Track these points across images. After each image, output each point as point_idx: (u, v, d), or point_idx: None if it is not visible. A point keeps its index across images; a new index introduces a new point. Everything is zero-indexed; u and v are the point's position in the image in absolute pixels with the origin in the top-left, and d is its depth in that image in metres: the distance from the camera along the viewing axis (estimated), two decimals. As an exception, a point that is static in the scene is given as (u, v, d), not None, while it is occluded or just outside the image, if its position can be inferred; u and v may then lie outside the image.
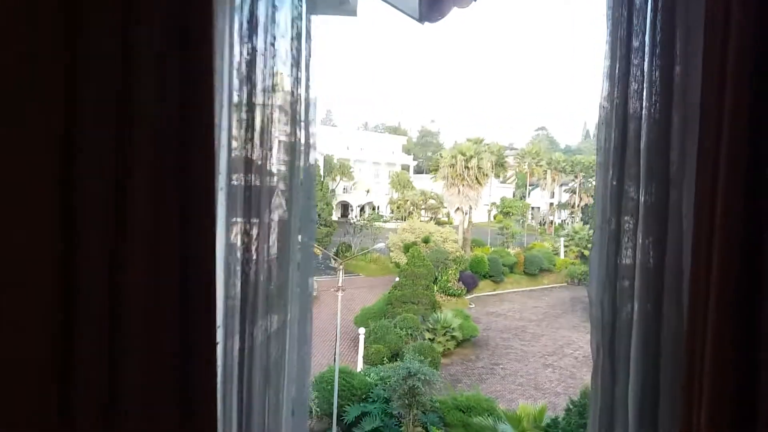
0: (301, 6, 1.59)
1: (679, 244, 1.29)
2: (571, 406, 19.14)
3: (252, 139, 1.39)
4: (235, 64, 1.41)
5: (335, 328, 23.15)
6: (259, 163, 1.39)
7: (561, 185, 66.81)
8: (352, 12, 2.97)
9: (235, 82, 1.41)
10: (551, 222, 64.95)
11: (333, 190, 57.42)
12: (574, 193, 63.53)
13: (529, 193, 71.75)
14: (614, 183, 1.39)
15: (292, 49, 1.54)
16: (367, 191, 64.41)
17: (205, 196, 1.18)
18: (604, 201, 1.41)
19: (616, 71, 1.40)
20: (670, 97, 1.31)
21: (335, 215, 55.75)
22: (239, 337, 1.31)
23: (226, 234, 1.32)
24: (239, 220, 1.34)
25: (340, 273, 28.41)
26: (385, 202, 62.75)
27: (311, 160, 1.52)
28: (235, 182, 1.34)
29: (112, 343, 1.13)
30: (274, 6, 1.51)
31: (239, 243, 1.33)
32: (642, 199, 1.33)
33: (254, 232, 1.35)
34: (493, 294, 43.44)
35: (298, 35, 1.56)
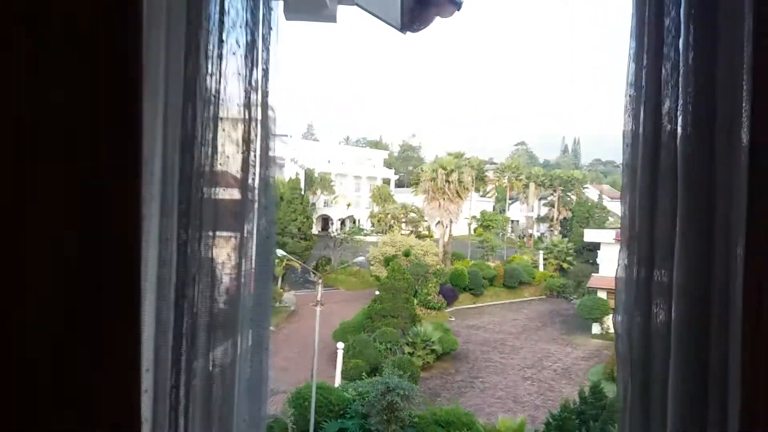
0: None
1: (726, 261, 1.04)
2: (550, 420, 19.01)
3: (193, 142, 1.10)
4: (172, 60, 1.12)
5: (313, 343, 22.77)
6: (203, 170, 1.10)
7: (540, 199, 67.34)
8: (332, 18, 2.74)
9: (173, 81, 1.12)
10: (530, 235, 65.32)
11: (313, 204, 57.02)
12: (553, 206, 64.04)
13: (508, 207, 72.17)
14: (645, 187, 1.13)
15: (245, 43, 1.24)
16: (348, 205, 64.12)
17: (130, 202, 0.90)
18: (632, 211, 1.15)
19: (644, 52, 1.15)
20: (712, 80, 1.07)
21: (315, 229, 55.35)
22: (173, 382, 1.01)
23: (160, 251, 1.03)
24: (175, 233, 1.04)
25: (320, 287, 27.97)
26: (366, 216, 62.52)
27: (269, 170, 1.24)
28: (171, 191, 1.04)
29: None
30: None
31: (174, 263, 1.03)
32: (680, 207, 1.07)
33: (195, 248, 1.05)
34: (473, 307, 43.44)
35: (253, 30, 1.26)
